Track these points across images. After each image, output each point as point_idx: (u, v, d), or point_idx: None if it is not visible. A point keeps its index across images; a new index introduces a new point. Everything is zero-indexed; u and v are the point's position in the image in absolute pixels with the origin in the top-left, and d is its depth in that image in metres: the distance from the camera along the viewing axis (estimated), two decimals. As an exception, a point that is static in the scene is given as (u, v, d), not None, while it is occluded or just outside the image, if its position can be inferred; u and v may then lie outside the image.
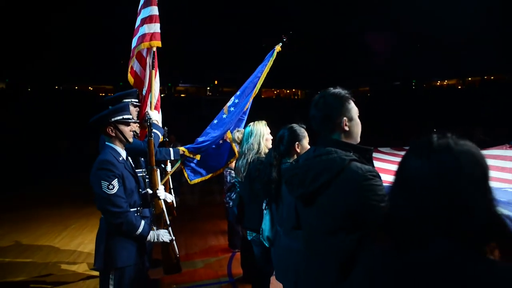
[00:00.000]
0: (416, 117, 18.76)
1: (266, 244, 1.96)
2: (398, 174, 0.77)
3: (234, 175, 3.10)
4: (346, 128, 1.23)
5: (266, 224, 1.91)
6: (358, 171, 1.12)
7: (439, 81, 31.23)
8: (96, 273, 3.74)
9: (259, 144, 2.33)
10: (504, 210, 1.39)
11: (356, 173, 1.10)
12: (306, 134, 1.87)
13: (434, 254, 0.67)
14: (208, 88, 30.05)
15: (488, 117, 14.83)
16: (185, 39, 24.65)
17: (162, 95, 3.17)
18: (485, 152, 2.87)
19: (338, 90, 1.27)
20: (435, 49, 25.45)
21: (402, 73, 27.54)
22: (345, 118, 1.23)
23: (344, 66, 28.82)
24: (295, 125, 1.87)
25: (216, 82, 29.33)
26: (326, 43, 29.44)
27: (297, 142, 1.80)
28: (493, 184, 2.22)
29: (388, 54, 25.51)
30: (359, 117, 1.29)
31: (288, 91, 36.60)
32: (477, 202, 0.66)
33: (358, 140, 1.27)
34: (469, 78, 28.87)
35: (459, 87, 28.78)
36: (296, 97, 35.63)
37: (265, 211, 1.93)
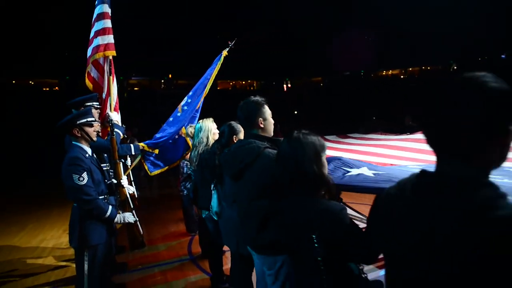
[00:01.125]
0: (364, 104, 20.33)
1: (215, 218, 2.45)
2: (277, 154, 1.30)
3: (190, 166, 3.55)
4: (262, 126, 1.76)
5: (214, 202, 2.40)
6: (269, 155, 1.64)
7: (384, 71, 33.71)
8: (64, 263, 4.02)
9: (207, 138, 2.80)
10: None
11: (267, 157, 1.63)
12: (242, 129, 2.36)
13: (293, 200, 1.22)
14: (162, 81, 29.42)
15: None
16: (138, 31, 23.82)
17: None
18: (410, 136, 3.73)
19: (256, 98, 1.78)
20: (381, 41, 27.39)
21: (352, 64, 29.23)
22: (260, 118, 1.75)
23: (298, 57, 29.87)
24: (233, 122, 2.36)
25: (170, 75, 28.79)
26: (281, 35, 30.15)
27: (234, 136, 2.30)
28: (403, 163, 3.02)
29: (340, 46, 27.02)
30: (273, 117, 1.82)
31: (244, 82, 37.01)
32: (312, 170, 1.21)
33: (272, 133, 1.81)
34: (410, 69, 31.62)
35: (402, 76, 31.39)
36: (252, 88, 36.20)
37: (213, 191, 2.42)
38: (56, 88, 26.18)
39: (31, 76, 25.79)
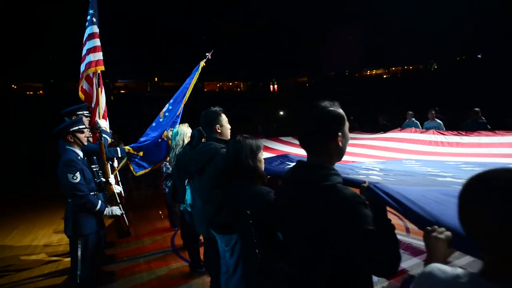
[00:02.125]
0: (349, 103, 20.94)
1: (189, 209, 2.89)
2: (225, 152, 1.76)
3: (169, 166, 3.98)
4: (219, 131, 2.22)
5: (188, 195, 2.84)
6: (224, 154, 2.10)
7: (368, 71, 34.66)
8: (56, 258, 4.38)
9: (183, 141, 3.25)
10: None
11: (222, 155, 2.09)
12: None
13: (235, 186, 1.69)
14: (149, 83, 29.57)
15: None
16: (124, 33, 23.91)
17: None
18: (381, 135, 4.41)
19: (216, 108, 2.25)
20: (365, 42, 28.26)
21: (337, 64, 29.97)
22: (218, 125, 2.22)
23: (284, 58, 30.45)
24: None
25: (156, 79, 28.96)
26: (267, 37, 30.62)
27: (203, 138, 2.75)
28: (358, 159, 3.64)
29: (325, 47, 27.82)
30: (229, 122, 2.29)
31: (230, 84, 37.39)
32: (248, 163, 1.67)
33: (228, 137, 2.28)
34: (393, 68, 32.64)
35: (385, 76, 32.37)
36: (238, 90, 36.66)
37: (187, 186, 2.86)
38: (41, 92, 25.87)
39: (14, 80, 25.37)
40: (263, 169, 1.77)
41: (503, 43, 19.85)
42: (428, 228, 1.02)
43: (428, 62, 28.40)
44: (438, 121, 8.08)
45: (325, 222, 1.10)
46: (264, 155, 3.05)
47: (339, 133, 1.18)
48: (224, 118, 2.26)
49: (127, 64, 25.67)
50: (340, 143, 1.19)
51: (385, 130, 6.26)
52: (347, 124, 1.22)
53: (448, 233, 0.97)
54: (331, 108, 1.18)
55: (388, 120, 10.32)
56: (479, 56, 25.00)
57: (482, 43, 22.81)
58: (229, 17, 28.05)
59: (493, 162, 3.33)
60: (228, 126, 2.27)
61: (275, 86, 33.90)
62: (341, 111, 1.20)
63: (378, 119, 10.46)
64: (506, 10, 19.40)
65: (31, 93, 25.56)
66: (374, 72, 34.28)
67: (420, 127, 7.98)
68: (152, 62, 27.01)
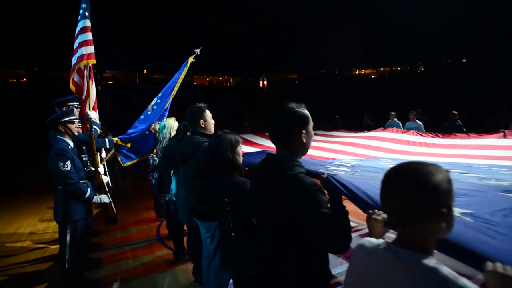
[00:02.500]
0: (339, 101, 21.27)
1: (173, 198, 3.07)
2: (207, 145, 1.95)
3: (156, 158, 4.14)
4: (203, 126, 2.40)
5: (173, 185, 3.02)
6: (206, 147, 2.28)
7: (357, 71, 35.15)
8: (42, 245, 4.48)
9: (170, 134, 3.41)
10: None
11: (205, 148, 2.27)
12: None
13: (216, 177, 1.88)
14: (137, 75, 29.18)
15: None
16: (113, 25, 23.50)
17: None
18: (364, 134, 4.72)
19: (200, 104, 2.42)
20: (354, 41, 28.60)
21: (326, 62, 30.23)
22: (202, 120, 2.40)
23: (274, 54, 30.53)
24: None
25: (145, 71, 28.62)
26: (258, 32, 30.60)
27: (188, 132, 2.92)
28: (338, 156, 3.93)
29: (315, 44, 28.07)
30: (213, 117, 2.47)
31: (220, 78, 37.24)
32: (227, 156, 1.86)
33: (212, 131, 2.46)
34: (381, 68, 33.22)
35: (373, 76, 32.91)
36: (228, 84, 36.58)
37: (172, 177, 3.03)
38: (24, 79, 25.21)
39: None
40: (241, 161, 1.96)
41: (503, 43, 20.25)
42: (370, 211, 1.24)
43: (415, 64, 28.94)
44: (419, 122, 8.41)
45: (290, 211, 1.28)
46: (249, 149, 3.26)
47: (303, 131, 1.38)
48: (208, 114, 2.43)
49: (117, 55, 25.20)
50: (304, 139, 1.38)
51: (369, 129, 6.51)
52: (311, 123, 1.42)
53: (385, 215, 1.19)
54: (297, 109, 1.38)
55: (372, 119, 10.61)
56: (463, 60, 25.62)
57: (482, 44, 23.23)
58: (228, 16, 27.90)
59: (462, 162, 3.59)
60: (212, 122, 2.46)
61: (265, 82, 33.97)
62: (306, 112, 1.40)
63: (363, 118, 10.74)
64: (506, 10, 19.78)
65: (14, 80, 24.86)
66: (363, 72, 34.76)
67: (402, 128, 8.29)
68: (143, 55, 26.64)
